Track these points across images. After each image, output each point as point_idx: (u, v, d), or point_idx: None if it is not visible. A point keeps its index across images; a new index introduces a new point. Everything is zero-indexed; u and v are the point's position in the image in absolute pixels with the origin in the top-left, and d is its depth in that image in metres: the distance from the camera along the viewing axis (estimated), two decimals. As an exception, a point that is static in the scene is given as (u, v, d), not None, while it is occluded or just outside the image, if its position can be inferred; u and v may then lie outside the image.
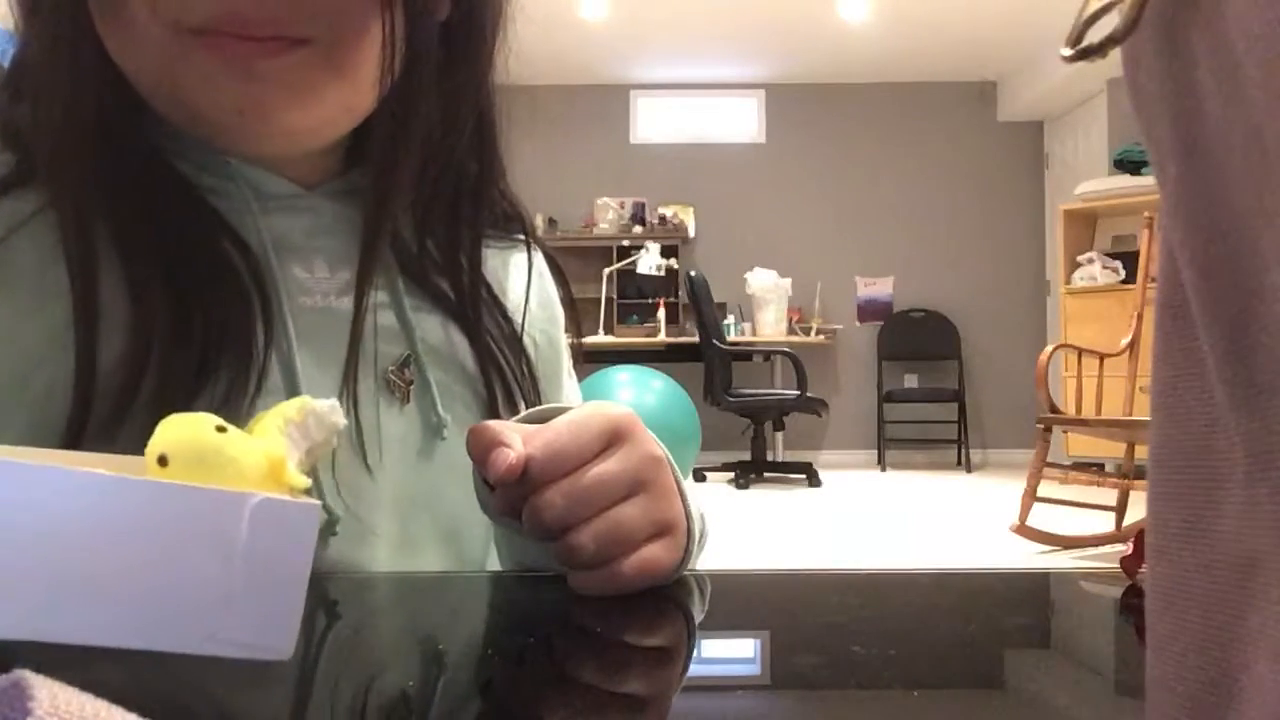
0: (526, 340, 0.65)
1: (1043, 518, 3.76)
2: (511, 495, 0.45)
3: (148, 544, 0.25)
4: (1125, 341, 4.00)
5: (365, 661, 0.39)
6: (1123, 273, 5.72)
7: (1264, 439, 0.17)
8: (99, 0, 0.49)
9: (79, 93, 0.50)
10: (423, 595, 0.51)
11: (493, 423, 0.46)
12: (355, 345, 0.54)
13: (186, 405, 0.48)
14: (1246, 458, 0.17)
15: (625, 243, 7.17)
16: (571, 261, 7.23)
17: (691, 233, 7.50)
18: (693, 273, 6.03)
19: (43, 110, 0.51)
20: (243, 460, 0.28)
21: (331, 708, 0.34)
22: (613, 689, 0.35)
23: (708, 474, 6.27)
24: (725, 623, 0.46)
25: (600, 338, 6.68)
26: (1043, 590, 0.54)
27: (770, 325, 7.01)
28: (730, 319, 7.07)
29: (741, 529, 4.38)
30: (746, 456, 6.38)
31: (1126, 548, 0.51)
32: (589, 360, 5.96)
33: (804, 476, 6.16)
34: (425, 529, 0.57)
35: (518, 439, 0.44)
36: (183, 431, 0.28)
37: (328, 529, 0.52)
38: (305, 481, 0.30)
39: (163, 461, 0.28)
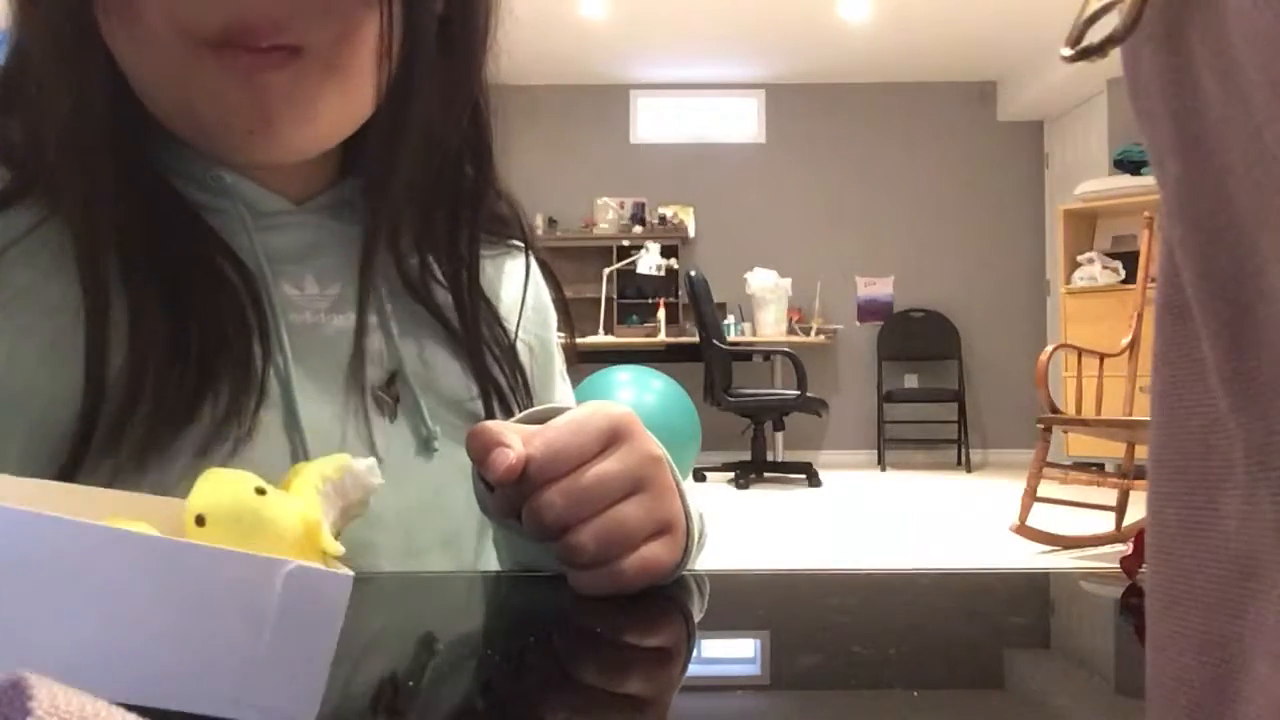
0: (520, 346, 0.65)
1: (1043, 518, 3.76)
2: (511, 495, 0.45)
3: (178, 604, 0.25)
4: (1125, 341, 4.00)
5: (365, 661, 0.39)
6: (1123, 273, 5.72)
7: (1264, 439, 0.17)
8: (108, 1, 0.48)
9: (85, 101, 0.49)
10: (423, 595, 0.51)
11: (492, 423, 0.46)
12: (359, 357, 0.55)
13: (186, 421, 0.49)
14: (1246, 458, 0.17)
15: (625, 243, 7.17)
16: (572, 261, 7.28)
17: (691, 233, 7.50)
18: (693, 273, 6.03)
19: (46, 121, 0.51)
20: (280, 523, 0.28)
21: (331, 707, 0.33)
22: (613, 689, 0.35)
23: (708, 474, 6.27)
24: (725, 623, 0.46)
25: (600, 338, 6.68)
26: (1043, 590, 0.54)
27: (770, 325, 7.01)
28: (730, 319, 7.07)
29: (741, 529, 4.38)
30: (746, 456, 6.37)
31: (1126, 548, 0.51)
32: (589, 360, 5.99)
33: (804, 476, 6.16)
34: (425, 541, 0.57)
35: (517, 439, 0.44)
36: (221, 492, 0.28)
37: None
38: (339, 549, 0.30)
39: (200, 521, 0.28)
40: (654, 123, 7.62)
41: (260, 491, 0.28)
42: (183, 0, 0.47)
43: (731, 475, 6.12)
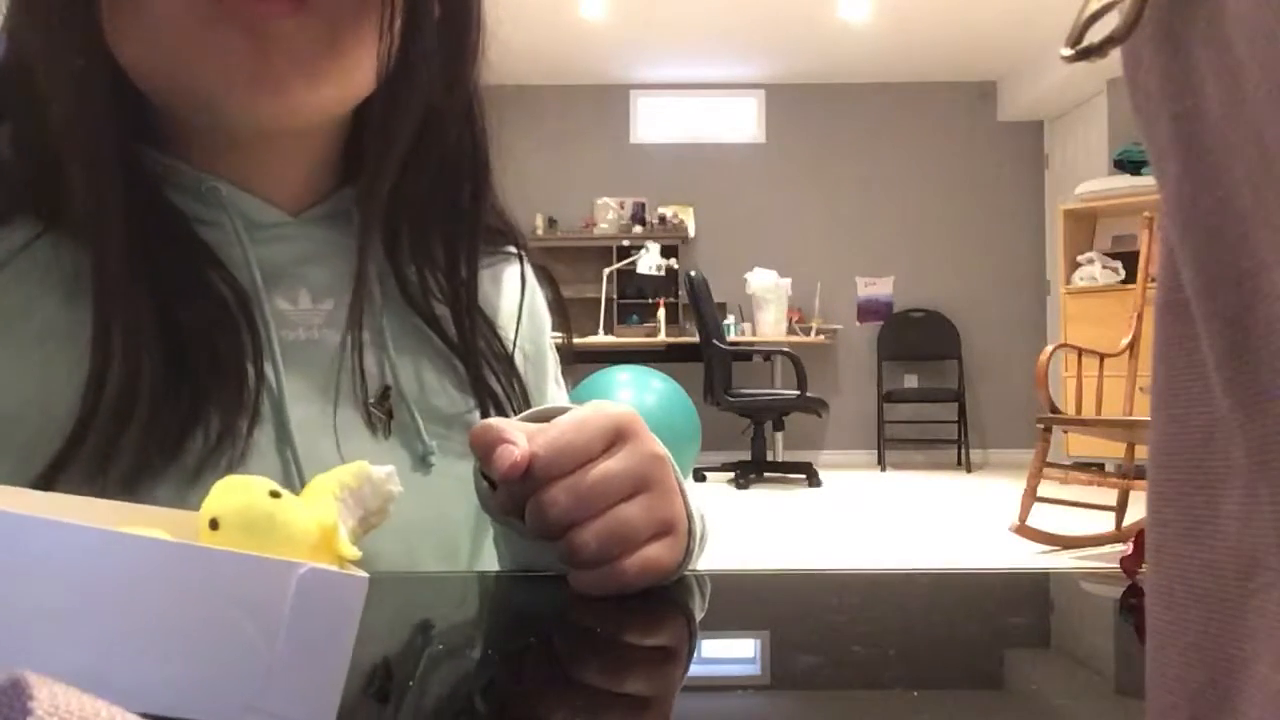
0: (517, 355, 0.64)
1: (1043, 518, 3.76)
2: (514, 493, 0.45)
3: (192, 609, 0.25)
4: (1125, 341, 4.00)
5: (365, 661, 0.39)
6: (1123, 273, 5.72)
7: (1264, 439, 0.17)
8: None
9: (86, 101, 0.48)
10: (423, 595, 0.51)
11: (496, 420, 0.46)
12: (353, 373, 0.55)
13: (180, 438, 0.48)
14: (1246, 458, 0.17)
15: (625, 243, 7.17)
16: (571, 261, 7.27)
17: (691, 233, 7.50)
18: (693, 273, 6.03)
19: (46, 127, 0.49)
20: (294, 527, 0.28)
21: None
22: (613, 689, 0.35)
23: (708, 474, 6.27)
24: (725, 623, 0.46)
25: (600, 338, 6.68)
26: (1043, 590, 0.54)
27: (770, 325, 7.00)
28: (730, 319, 7.07)
29: (741, 529, 4.38)
30: (746, 456, 6.38)
31: (1126, 548, 0.51)
32: (590, 360, 5.99)
33: (804, 476, 6.16)
34: (423, 555, 0.57)
35: (522, 436, 0.44)
36: (236, 496, 0.28)
37: None
38: (356, 553, 0.29)
39: (214, 525, 0.27)
40: (654, 123, 7.62)
41: (275, 495, 0.28)
42: None
43: (731, 475, 6.12)
